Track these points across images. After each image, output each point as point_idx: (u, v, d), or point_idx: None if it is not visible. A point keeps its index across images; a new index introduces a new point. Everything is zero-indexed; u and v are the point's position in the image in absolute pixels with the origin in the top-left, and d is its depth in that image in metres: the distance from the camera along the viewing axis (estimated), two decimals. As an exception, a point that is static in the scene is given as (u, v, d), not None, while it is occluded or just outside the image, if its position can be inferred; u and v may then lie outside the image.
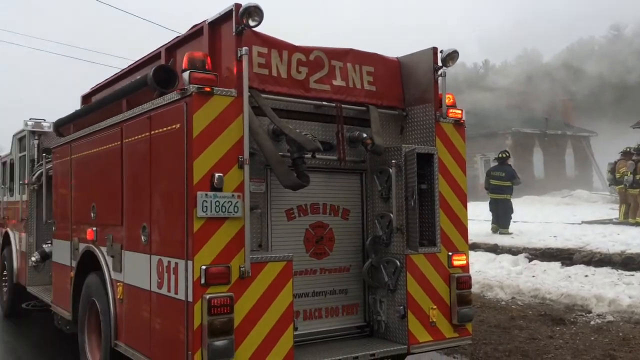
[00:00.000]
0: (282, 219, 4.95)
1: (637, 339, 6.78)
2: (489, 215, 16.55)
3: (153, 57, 5.76)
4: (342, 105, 5.19)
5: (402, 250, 5.00)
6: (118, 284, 5.12)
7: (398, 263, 5.01)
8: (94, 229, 5.73)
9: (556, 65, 45.25)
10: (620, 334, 7.01)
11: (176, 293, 4.13)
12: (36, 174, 8.57)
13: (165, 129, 4.45)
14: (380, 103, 5.43)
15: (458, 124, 5.50)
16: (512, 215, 15.35)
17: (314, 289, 5.06)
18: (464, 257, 5.35)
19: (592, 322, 7.63)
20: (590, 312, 8.08)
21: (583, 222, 16.52)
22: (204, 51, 4.62)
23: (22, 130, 9.24)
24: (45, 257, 7.71)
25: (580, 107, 44.24)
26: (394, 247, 5.09)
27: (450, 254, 5.25)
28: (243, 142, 4.25)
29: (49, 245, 7.61)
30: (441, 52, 5.31)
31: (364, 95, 5.34)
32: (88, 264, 5.82)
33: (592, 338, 6.94)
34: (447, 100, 5.42)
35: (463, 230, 5.42)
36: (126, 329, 4.94)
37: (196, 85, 4.11)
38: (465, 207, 5.49)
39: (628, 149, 17.82)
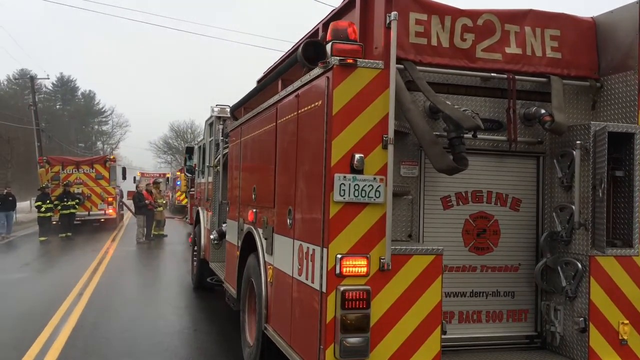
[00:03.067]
0: (437, 208, 4.39)
1: None
2: None
3: (312, 35, 5.57)
4: (517, 77, 4.45)
5: (585, 251, 4.12)
6: (269, 266, 5.07)
7: (580, 265, 4.13)
8: (254, 210, 5.78)
9: None
10: None
11: (312, 282, 3.87)
12: (218, 157, 9.11)
13: (310, 107, 4.20)
14: (566, 73, 4.57)
15: (671, 95, 4.36)
16: None
17: (473, 289, 4.42)
18: (673, 263, 4.23)
19: None
20: None
21: None
22: (356, 22, 4.26)
23: (211, 117, 9.91)
24: (222, 235, 8.14)
25: None
26: (576, 246, 4.22)
27: (655, 257, 4.20)
28: (388, 119, 3.79)
29: (225, 224, 8.01)
30: (652, 4, 4.25)
31: (546, 64, 4.52)
32: (251, 244, 5.90)
33: None
34: (655, 66, 4.34)
35: (672, 229, 4.29)
36: (274, 313, 4.86)
37: (338, 58, 3.76)
38: (678, 199, 4.33)
39: None
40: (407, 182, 4.27)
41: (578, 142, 4.17)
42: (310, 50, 4.38)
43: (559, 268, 4.30)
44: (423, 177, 4.35)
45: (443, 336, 3.88)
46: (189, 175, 13.79)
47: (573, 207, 4.17)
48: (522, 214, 4.56)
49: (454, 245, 4.37)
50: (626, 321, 4.11)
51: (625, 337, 4.10)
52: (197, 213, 10.87)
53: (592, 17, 4.72)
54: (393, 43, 3.80)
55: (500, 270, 4.48)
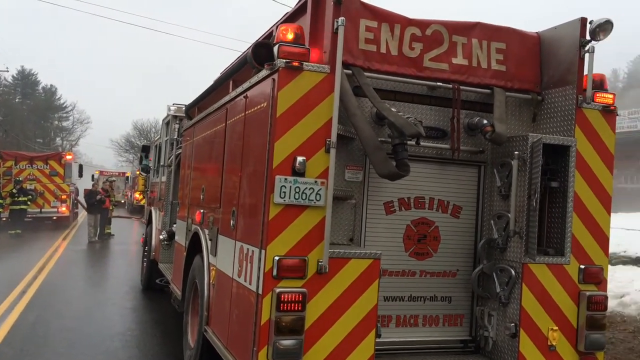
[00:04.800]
0: (379, 213, 4.45)
1: None
2: None
3: (267, 37, 5.57)
4: (462, 87, 4.54)
5: (519, 258, 4.24)
6: (212, 268, 5.03)
7: (513, 272, 4.25)
8: (202, 211, 5.73)
9: None
10: None
11: (250, 283, 3.87)
12: (171, 156, 9.00)
13: (256, 108, 4.21)
14: (509, 85, 4.69)
15: (607, 110, 4.56)
16: None
17: (412, 293, 4.49)
18: (601, 272, 4.39)
19: None
20: None
21: None
22: (307, 26, 4.29)
23: (167, 115, 9.78)
24: (172, 236, 8.03)
25: None
26: (511, 253, 4.33)
27: (582, 267, 4.35)
28: (332, 123, 3.82)
29: (176, 225, 7.91)
30: (590, 22, 4.40)
31: (490, 76, 4.63)
32: (197, 245, 5.85)
33: None
34: (595, 83, 4.50)
35: (603, 239, 4.46)
36: (214, 315, 4.82)
37: (284, 60, 3.78)
38: (609, 211, 4.52)
39: None
40: (351, 186, 4.31)
41: (516, 152, 4.29)
42: (259, 52, 4.38)
43: (494, 274, 4.40)
44: (367, 182, 4.39)
45: (379, 339, 3.93)
46: (144, 174, 13.57)
47: (509, 215, 4.28)
48: (462, 221, 4.66)
49: (395, 250, 4.43)
50: (555, 327, 4.24)
51: (554, 343, 4.23)
52: (150, 213, 10.71)
53: (537, 32, 4.86)
54: (339, 48, 3.84)
55: (438, 276, 4.56)
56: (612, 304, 8.66)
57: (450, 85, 4.51)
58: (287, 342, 3.55)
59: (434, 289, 4.55)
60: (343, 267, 3.77)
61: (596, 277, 4.39)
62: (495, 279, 4.38)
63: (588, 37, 4.41)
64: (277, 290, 3.59)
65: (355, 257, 3.82)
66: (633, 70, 72.45)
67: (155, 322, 8.26)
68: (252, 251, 3.87)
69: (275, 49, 3.85)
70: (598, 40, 4.39)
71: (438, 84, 4.50)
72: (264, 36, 5.63)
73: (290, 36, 3.86)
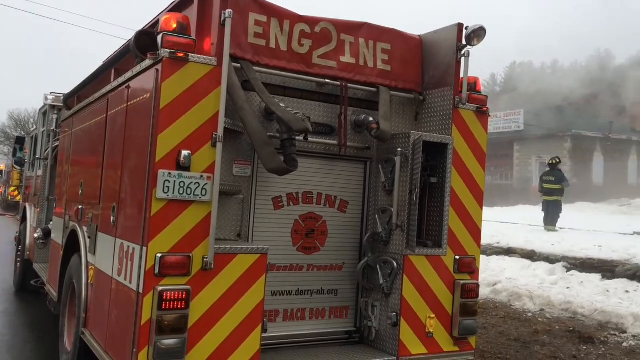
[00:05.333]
0: (268, 208, 4.44)
1: (677, 369, 5.95)
2: (533, 220, 17.62)
3: (152, 25, 5.35)
4: (349, 85, 4.64)
5: (400, 250, 4.42)
6: (91, 267, 4.77)
7: (395, 264, 4.43)
8: (80, 207, 5.40)
9: (629, 67, 42.70)
10: (657, 361, 6.19)
11: (130, 282, 3.70)
12: (49, 149, 8.41)
13: (138, 99, 4.03)
14: (394, 85, 4.87)
15: (480, 111, 4.86)
16: (560, 216, 16.69)
17: (299, 287, 4.54)
18: (474, 262, 4.71)
19: (624, 344, 6.78)
20: (625, 332, 7.21)
21: (635, 233, 15.29)
22: (194, 17, 4.17)
23: (44, 105, 9.12)
24: (48, 234, 7.51)
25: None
26: (393, 246, 4.51)
27: (457, 257, 4.63)
28: (218, 117, 3.75)
29: (52, 222, 7.41)
30: (466, 28, 4.68)
31: (376, 75, 4.78)
32: (75, 243, 5.50)
33: (622, 362, 6.15)
34: (470, 85, 4.80)
35: (475, 231, 4.78)
36: (92, 316, 4.57)
37: (168, 50, 3.65)
38: (481, 205, 4.84)
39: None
40: (239, 181, 4.26)
41: (399, 149, 4.46)
42: (143, 40, 4.20)
43: (378, 267, 4.56)
44: (256, 177, 4.37)
45: (266, 335, 3.93)
46: (17, 167, 12.58)
47: (393, 210, 4.46)
48: (349, 215, 4.78)
49: (283, 245, 4.45)
50: (433, 315, 4.48)
51: (432, 330, 4.47)
52: (24, 209, 9.93)
53: (419, 35, 5.09)
54: (227, 41, 3.78)
55: (325, 269, 4.65)
56: (485, 291, 9.35)
57: (338, 83, 4.60)
58: (169, 342, 3.44)
59: (321, 283, 4.63)
60: (229, 263, 3.72)
61: (469, 267, 4.70)
62: (379, 271, 4.54)
63: (464, 42, 4.68)
64: (160, 288, 3.47)
65: (242, 252, 3.79)
66: (509, 76, 78.36)
67: (29, 325, 7.67)
68: (133, 248, 3.71)
69: (159, 38, 3.71)
70: (473, 45, 4.68)
71: (326, 80, 4.57)
72: (149, 24, 5.40)
73: (173, 25, 3.74)
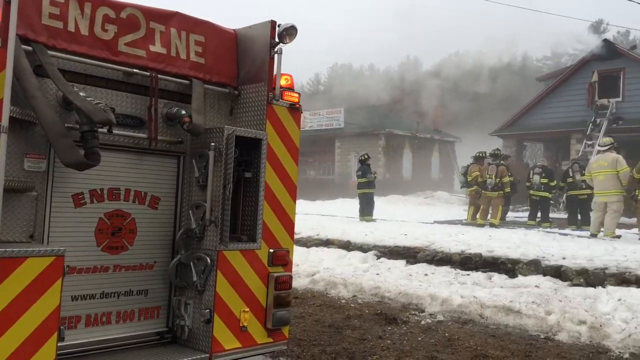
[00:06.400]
0: (67, 206, 4.08)
1: (461, 339, 6.75)
2: (352, 212, 18.89)
3: None
4: (160, 76, 4.46)
5: (214, 246, 4.38)
6: None
7: (209, 260, 4.37)
8: None
9: (434, 73, 47.46)
10: (447, 334, 6.96)
11: None
12: None
13: None
14: (208, 78, 4.79)
15: (293, 108, 4.99)
16: (375, 209, 18.03)
17: (104, 290, 4.25)
18: (288, 254, 4.84)
19: (422, 322, 7.54)
20: (423, 311, 8.02)
21: (435, 222, 17.10)
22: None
23: None
24: None
25: (450, 113, 46.68)
26: (207, 242, 4.45)
27: (272, 250, 4.71)
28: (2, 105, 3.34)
29: None
30: (279, 26, 4.77)
31: (189, 67, 4.66)
32: None
33: (420, 338, 6.80)
34: (283, 82, 4.91)
35: (289, 225, 4.91)
36: None
37: (-64, 27, 3.15)
38: (294, 199, 4.99)
39: (480, 154, 18.71)
40: (31, 177, 3.85)
41: (212, 144, 4.41)
42: None
43: (191, 263, 4.46)
44: (52, 172, 3.99)
45: (63, 343, 3.61)
46: None
47: (206, 205, 4.39)
48: (161, 212, 4.60)
49: (85, 246, 4.13)
50: (247, 309, 4.51)
51: (246, 324, 4.49)
52: None
53: (234, 29, 5.07)
54: (13, 19, 3.36)
55: (134, 269, 4.42)
56: (305, 282, 9.72)
57: (148, 73, 4.40)
58: (-60, 362, 2.99)
59: (129, 284, 4.39)
60: (17, 268, 3.33)
61: (283, 260, 4.82)
62: (193, 268, 4.44)
63: (277, 40, 4.78)
64: None
65: (33, 255, 3.41)
66: (331, 76, 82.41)
67: None
68: None
69: None
70: (285, 43, 4.79)
71: (134, 70, 4.34)
72: None
73: None
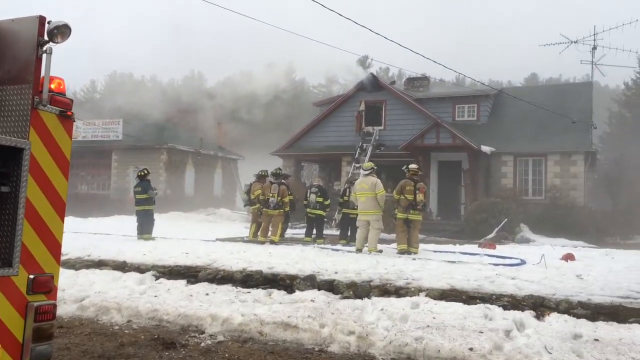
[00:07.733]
0: None
1: (240, 359, 6.73)
2: (129, 230, 18.01)
3: None
4: None
5: (-45, 274, 3.66)
6: None
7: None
8: None
9: (214, 94, 47.59)
10: (227, 355, 6.84)
11: None
12: None
13: None
14: (-45, 75, 4.03)
15: (64, 116, 4.48)
16: (154, 226, 17.42)
17: None
18: (52, 280, 4.29)
19: (202, 344, 7.32)
20: (203, 332, 7.80)
21: (217, 240, 17.04)
22: None
23: None
24: None
25: (233, 131, 47.24)
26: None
27: (32, 277, 4.12)
28: None
29: None
30: (49, 23, 4.26)
31: None
32: None
33: (199, 362, 6.63)
34: (53, 86, 4.38)
35: (55, 246, 4.36)
36: None
37: None
38: (62, 218, 4.45)
39: (262, 173, 19.26)
40: None
41: None
42: None
43: None
44: None
45: None
46: None
47: None
48: None
49: None
50: (-2, 347, 3.87)
51: (-5, 364, 3.85)
52: None
53: (-7, 22, 4.40)
54: None
55: None
56: (72, 308, 8.78)
57: None
58: None
59: None
60: None
61: (46, 286, 4.25)
62: None
63: (46, 38, 4.27)
64: None
65: None
66: (109, 84, 77.53)
67: None
68: None
69: None
70: (56, 43, 4.30)
71: None
72: None
73: None
